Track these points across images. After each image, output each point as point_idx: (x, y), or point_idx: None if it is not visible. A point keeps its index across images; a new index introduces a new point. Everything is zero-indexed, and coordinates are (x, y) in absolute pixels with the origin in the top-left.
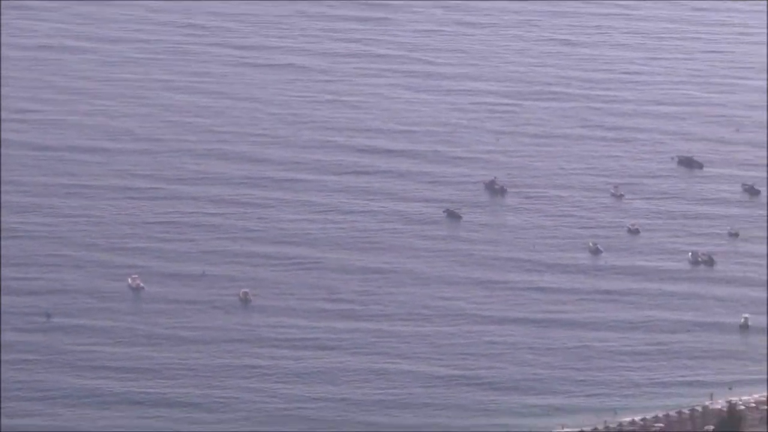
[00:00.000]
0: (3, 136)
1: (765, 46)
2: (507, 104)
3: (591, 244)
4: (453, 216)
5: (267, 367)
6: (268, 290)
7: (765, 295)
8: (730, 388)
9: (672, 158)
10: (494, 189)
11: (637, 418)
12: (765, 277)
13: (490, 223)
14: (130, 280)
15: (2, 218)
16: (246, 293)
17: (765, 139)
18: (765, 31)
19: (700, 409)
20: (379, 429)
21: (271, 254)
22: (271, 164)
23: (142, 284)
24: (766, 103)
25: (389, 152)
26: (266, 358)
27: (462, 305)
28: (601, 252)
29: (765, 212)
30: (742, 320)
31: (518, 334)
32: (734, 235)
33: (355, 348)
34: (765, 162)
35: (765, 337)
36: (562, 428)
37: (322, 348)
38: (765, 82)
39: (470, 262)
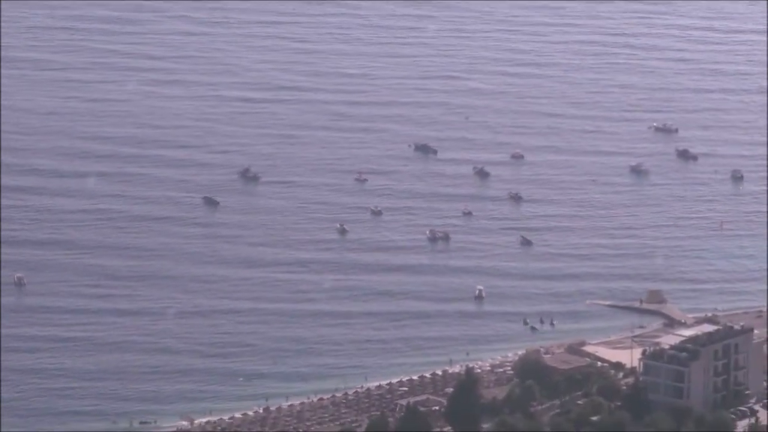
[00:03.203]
0: None
1: (482, 50)
2: (254, 104)
3: (338, 226)
4: (211, 202)
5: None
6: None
7: (497, 266)
8: (467, 354)
9: (409, 146)
10: (248, 177)
11: (383, 383)
12: (496, 251)
13: (244, 208)
14: None
15: None
16: (20, 278)
17: (493, 124)
18: (481, 35)
19: (440, 373)
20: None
21: (38, 255)
22: (34, 171)
23: None
24: (487, 99)
25: (146, 154)
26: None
27: (206, 301)
28: (348, 232)
29: (495, 192)
30: (477, 292)
31: (265, 323)
32: (467, 213)
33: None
34: (493, 145)
35: (497, 306)
36: (316, 396)
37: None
38: (484, 84)
39: (222, 257)
